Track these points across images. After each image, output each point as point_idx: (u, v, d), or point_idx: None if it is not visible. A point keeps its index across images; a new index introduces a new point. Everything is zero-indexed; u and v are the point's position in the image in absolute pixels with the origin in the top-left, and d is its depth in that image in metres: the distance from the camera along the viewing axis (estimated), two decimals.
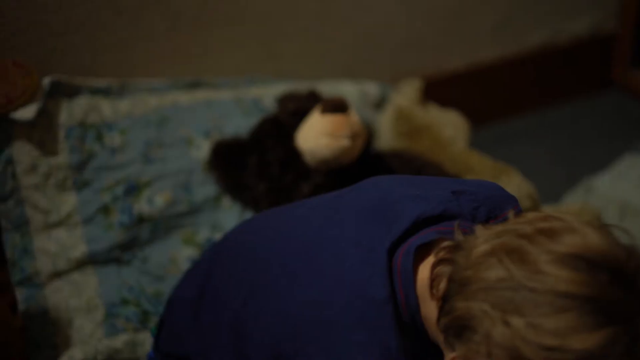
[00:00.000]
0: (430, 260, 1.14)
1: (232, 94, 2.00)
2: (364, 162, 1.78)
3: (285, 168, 1.76)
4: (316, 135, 1.72)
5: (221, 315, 1.34)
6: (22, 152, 1.72)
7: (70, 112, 1.79)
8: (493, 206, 1.21)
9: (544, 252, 0.98)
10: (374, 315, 1.13)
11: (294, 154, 1.77)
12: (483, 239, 1.05)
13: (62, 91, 1.80)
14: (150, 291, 1.70)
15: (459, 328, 1.03)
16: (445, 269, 1.08)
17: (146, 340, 1.64)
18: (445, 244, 1.12)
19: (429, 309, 1.12)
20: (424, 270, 1.13)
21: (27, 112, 1.72)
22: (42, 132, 1.75)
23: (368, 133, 1.84)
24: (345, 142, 1.69)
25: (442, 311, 1.07)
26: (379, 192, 1.27)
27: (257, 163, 1.78)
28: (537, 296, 0.96)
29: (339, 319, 1.15)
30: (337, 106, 1.71)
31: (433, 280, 1.10)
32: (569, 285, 0.95)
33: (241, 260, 1.38)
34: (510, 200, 1.23)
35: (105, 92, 1.86)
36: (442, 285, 1.08)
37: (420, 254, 1.15)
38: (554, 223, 1.03)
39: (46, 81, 1.77)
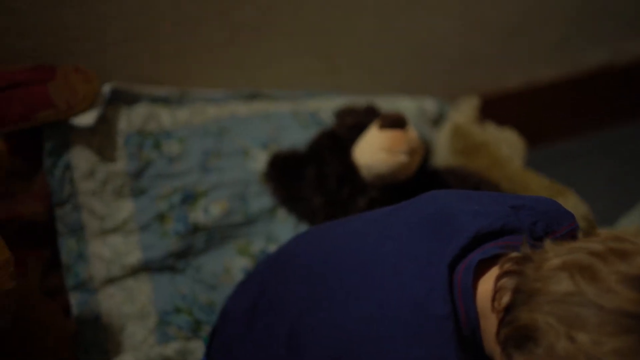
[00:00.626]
0: (490, 274, 1.12)
1: (290, 106, 1.98)
2: (420, 178, 1.76)
3: (342, 182, 1.75)
4: (374, 150, 1.70)
5: (276, 327, 1.33)
6: (81, 157, 1.72)
7: (130, 119, 1.79)
8: (550, 221, 1.19)
9: (614, 271, 0.97)
10: (434, 330, 1.11)
11: (351, 168, 1.75)
12: (554, 253, 1.04)
13: (122, 98, 1.81)
14: (203, 300, 1.69)
15: (521, 339, 1.01)
16: (510, 281, 1.06)
17: (197, 349, 1.64)
18: (513, 255, 1.10)
19: (488, 322, 1.09)
20: (484, 285, 1.12)
21: (86, 119, 1.72)
22: (101, 138, 1.75)
23: (425, 149, 1.82)
24: (402, 158, 1.66)
25: (503, 322, 1.05)
26: (437, 207, 1.25)
27: (314, 176, 1.77)
28: (604, 314, 0.95)
29: (397, 333, 1.14)
30: (396, 122, 1.69)
31: (496, 292, 1.08)
32: (637, 307, 0.93)
33: (297, 274, 1.37)
34: (567, 216, 1.21)
35: (164, 101, 1.86)
36: (506, 297, 1.06)
37: (480, 269, 1.13)
38: (626, 245, 1.01)
39: (106, 88, 1.77)
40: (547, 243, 1.07)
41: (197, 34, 1.94)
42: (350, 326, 1.20)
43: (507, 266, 1.08)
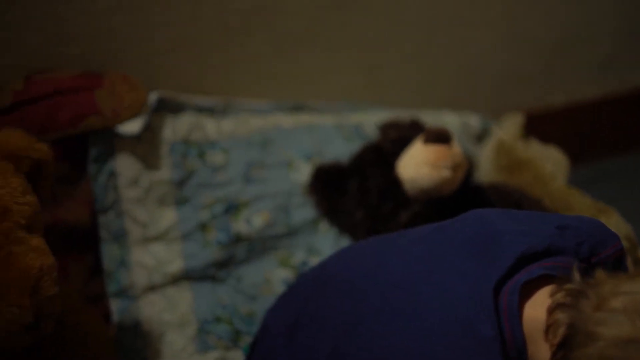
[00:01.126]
0: (537, 298, 1.10)
1: (333, 119, 1.98)
2: (463, 193, 1.74)
3: (384, 196, 1.73)
4: (417, 165, 1.69)
5: (317, 343, 1.31)
6: (125, 165, 1.73)
7: (175, 128, 1.79)
8: (596, 242, 1.17)
9: None
10: (480, 351, 1.09)
11: (394, 182, 1.73)
12: (611, 291, 1.01)
13: (168, 107, 1.81)
14: (243, 310, 1.68)
15: None
16: (563, 315, 1.03)
17: (236, 358, 1.63)
18: (566, 286, 1.07)
19: (538, 349, 1.07)
20: (532, 309, 1.09)
21: (132, 127, 1.72)
22: (146, 146, 1.75)
23: (469, 164, 1.80)
24: (446, 173, 1.65)
25: (556, 356, 1.03)
26: (483, 226, 1.23)
27: (357, 189, 1.75)
28: None
29: (442, 353, 1.12)
30: (440, 136, 1.67)
31: (550, 325, 1.05)
32: None
33: (339, 290, 1.35)
34: (612, 237, 1.19)
35: (209, 111, 1.86)
36: (560, 331, 1.03)
37: (525, 290, 1.10)
38: None
39: (153, 97, 1.78)
40: (599, 274, 1.05)
41: (243, 45, 1.94)
42: (394, 345, 1.18)
43: (560, 298, 1.06)
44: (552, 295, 1.08)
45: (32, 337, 1.18)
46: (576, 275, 1.07)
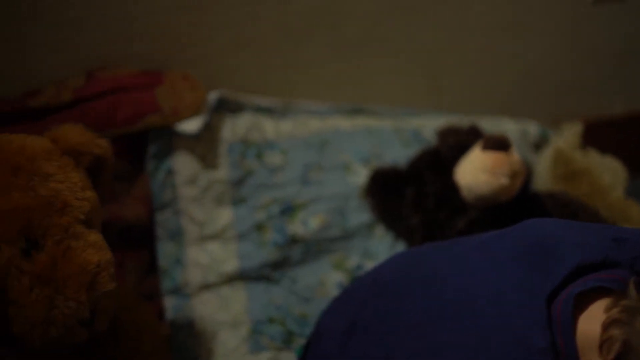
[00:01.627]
0: (591, 311, 1.07)
1: (392, 123, 1.96)
2: (520, 201, 1.71)
3: (441, 201, 1.71)
4: (475, 171, 1.66)
5: (371, 349, 1.30)
6: (184, 163, 1.73)
7: (234, 128, 1.79)
8: None
9: None
10: None
11: (452, 188, 1.71)
12: None
13: (227, 107, 1.81)
14: (296, 312, 1.67)
15: None
16: (619, 332, 1.01)
17: None
18: (623, 302, 1.04)
19: None
20: (586, 323, 1.06)
21: (191, 125, 1.72)
22: (205, 145, 1.76)
23: (527, 173, 1.78)
24: (504, 181, 1.62)
25: None
26: (539, 236, 1.21)
27: (414, 194, 1.74)
28: None
29: None
30: (499, 144, 1.65)
31: (604, 341, 1.03)
32: None
33: (395, 297, 1.34)
34: None
35: (268, 111, 1.86)
36: (615, 347, 1.01)
37: (579, 301, 1.08)
38: None
39: (213, 96, 1.78)
40: None
41: (304, 47, 1.93)
42: (450, 354, 1.16)
43: (616, 314, 1.03)
44: (607, 310, 1.05)
45: (88, 332, 1.18)
46: (633, 291, 1.04)
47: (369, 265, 1.72)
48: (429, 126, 1.97)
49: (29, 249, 1.15)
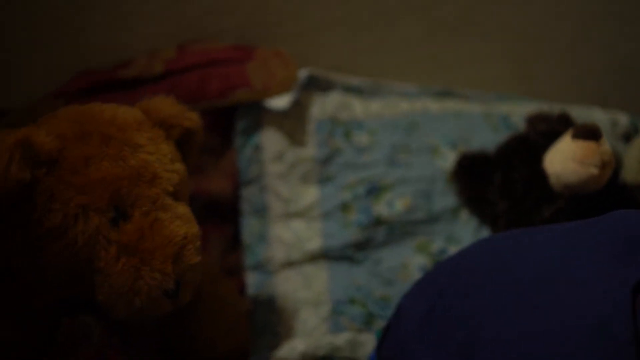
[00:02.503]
0: None
1: (481, 107, 1.92)
2: (609, 192, 1.67)
3: (528, 189, 1.67)
4: (564, 160, 1.62)
5: (452, 334, 1.27)
6: (271, 140, 1.73)
7: (323, 106, 1.78)
8: None
9: None
10: (614, 354, 1.03)
11: (540, 176, 1.67)
12: None
13: (317, 85, 1.80)
14: (378, 294, 1.65)
15: None
16: None
17: (368, 342, 1.60)
18: None
19: None
20: None
21: (281, 102, 1.72)
22: (293, 123, 1.75)
23: (616, 163, 1.73)
24: (593, 171, 1.58)
25: None
26: (627, 227, 1.17)
27: (501, 180, 1.70)
28: None
29: (576, 354, 1.07)
30: (590, 133, 1.60)
31: None
32: None
33: (477, 282, 1.31)
34: None
35: (357, 91, 1.84)
36: None
37: None
38: None
39: (303, 74, 1.77)
40: None
41: (395, 27, 1.91)
42: (530, 342, 1.13)
43: None
44: None
45: (172, 304, 1.17)
46: None
47: (453, 249, 1.69)
48: (518, 112, 1.92)
49: (117, 218, 1.16)
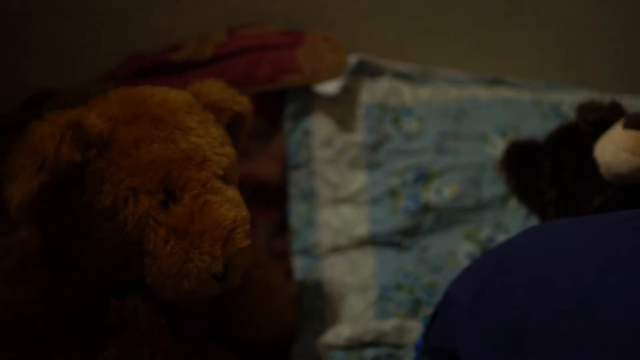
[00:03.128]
0: None
1: (531, 95, 1.90)
2: None
3: (578, 178, 1.65)
4: (615, 150, 1.59)
5: (500, 321, 1.25)
6: (321, 125, 1.72)
7: (372, 92, 1.76)
8: None
9: None
10: None
11: (590, 165, 1.64)
12: None
13: (366, 71, 1.78)
14: (425, 280, 1.64)
15: None
16: None
17: (414, 328, 1.58)
18: None
19: None
20: None
21: (331, 87, 1.72)
22: (342, 108, 1.74)
23: None
24: None
25: None
26: None
27: (551, 169, 1.67)
28: None
29: (632, 346, 1.05)
30: None
31: None
32: None
33: (526, 270, 1.29)
34: None
35: (407, 77, 1.82)
36: None
37: None
38: None
39: (353, 59, 1.76)
40: None
41: (446, 13, 1.89)
42: (581, 331, 1.11)
43: None
44: None
45: (220, 287, 1.16)
46: None
47: (501, 238, 1.67)
48: (568, 101, 1.89)
49: (167, 201, 1.15)
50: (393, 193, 1.69)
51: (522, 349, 1.18)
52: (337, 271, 1.66)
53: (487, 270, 1.37)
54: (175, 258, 1.12)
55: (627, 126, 1.56)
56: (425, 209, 1.69)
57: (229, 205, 1.17)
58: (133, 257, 1.16)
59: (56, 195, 1.11)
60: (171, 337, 1.27)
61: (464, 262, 1.64)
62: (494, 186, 1.73)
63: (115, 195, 1.12)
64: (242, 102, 1.33)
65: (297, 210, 1.70)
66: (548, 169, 1.67)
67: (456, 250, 1.67)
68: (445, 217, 1.69)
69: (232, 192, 1.20)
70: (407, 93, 1.79)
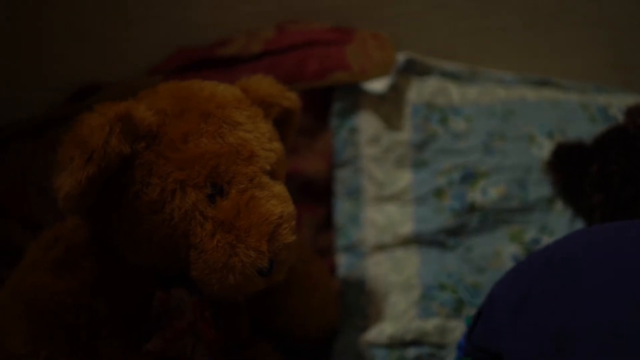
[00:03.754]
0: None
1: (578, 97, 1.87)
2: None
3: (626, 182, 1.62)
4: None
5: (544, 323, 1.24)
6: (368, 122, 1.70)
7: (420, 91, 1.75)
8: None
9: None
10: None
11: (638, 169, 1.62)
12: None
13: (415, 69, 1.77)
14: (468, 281, 1.62)
15: None
16: None
17: (457, 328, 1.57)
18: None
19: None
20: None
21: (378, 85, 1.70)
22: (390, 106, 1.72)
23: None
24: None
25: None
26: None
27: (597, 172, 1.65)
28: None
29: None
30: None
31: None
32: None
33: (574, 274, 1.27)
34: None
35: (455, 77, 1.80)
36: None
37: None
38: None
39: (401, 58, 1.74)
40: None
41: (494, 14, 1.87)
42: (628, 335, 1.10)
43: None
44: None
45: (265, 282, 1.16)
46: None
47: (546, 240, 1.65)
48: (616, 104, 1.86)
49: (214, 195, 1.14)
50: (439, 192, 1.68)
51: (567, 351, 1.16)
52: (380, 269, 1.64)
53: (533, 272, 1.36)
54: (221, 252, 1.12)
55: None
56: (471, 209, 1.67)
57: (276, 201, 1.16)
58: (179, 250, 1.16)
59: (104, 187, 1.11)
60: (215, 329, 1.27)
61: (508, 264, 1.62)
62: (540, 188, 1.71)
63: (163, 188, 1.12)
64: (291, 98, 1.32)
65: (342, 208, 1.69)
66: (595, 172, 1.65)
67: (501, 251, 1.65)
68: (491, 218, 1.67)
69: (279, 188, 1.20)
70: (455, 92, 1.77)
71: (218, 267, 1.12)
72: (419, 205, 1.68)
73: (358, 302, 1.62)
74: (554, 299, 1.25)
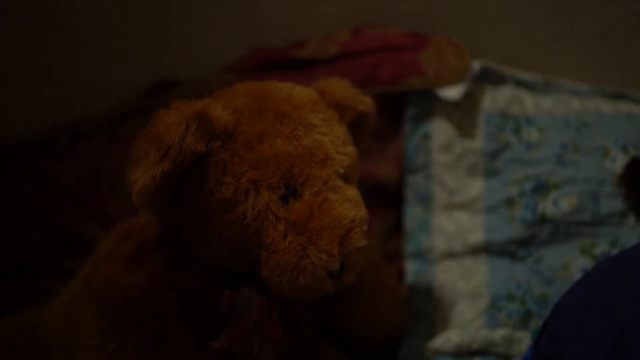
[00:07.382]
0: None
1: None
2: None
3: None
4: None
5: (606, 327, 1.21)
6: (440, 129, 1.68)
7: (494, 99, 1.71)
8: None
9: None
10: None
11: None
12: None
13: (489, 77, 1.73)
14: (537, 292, 1.58)
15: None
16: None
17: (523, 339, 1.53)
18: None
19: None
20: None
21: (453, 92, 1.66)
22: (463, 114, 1.69)
23: None
24: None
25: None
26: None
27: None
28: None
29: None
30: None
31: None
32: None
33: (633, 277, 1.24)
34: None
35: (529, 86, 1.76)
36: None
37: None
38: None
39: (476, 65, 1.71)
40: None
41: (571, 23, 1.81)
42: None
43: None
44: None
45: (335, 285, 1.14)
46: None
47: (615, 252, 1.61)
48: None
49: (287, 196, 1.13)
50: (510, 202, 1.64)
51: (629, 354, 1.13)
52: (449, 277, 1.62)
53: (597, 280, 1.33)
54: (292, 253, 1.10)
55: None
56: (542, 220, 1.62)
57: (349, 205, 1.14)
58: (250, 249, 1.14)
59: (178, 184, 1.10)
60: (282, 330, 1.26)
61: (577, 276, 1.57)
62: (613, 201, 1.65)
63: (237, 187, 1.11)
64: (366, 102, 1.30)
65: (412, 213, 1.67)
66: None
67: (570, 264, 1.61)
68: (562, 230, 1.63)
69: (352, 192, 1.18)
70: (529, 102, 1.73)
71: (289, 268, 1.11)
72: (489, 214, 1.64)
73: (425, 308, 1.60)
74: (616, 303, 1.23)
